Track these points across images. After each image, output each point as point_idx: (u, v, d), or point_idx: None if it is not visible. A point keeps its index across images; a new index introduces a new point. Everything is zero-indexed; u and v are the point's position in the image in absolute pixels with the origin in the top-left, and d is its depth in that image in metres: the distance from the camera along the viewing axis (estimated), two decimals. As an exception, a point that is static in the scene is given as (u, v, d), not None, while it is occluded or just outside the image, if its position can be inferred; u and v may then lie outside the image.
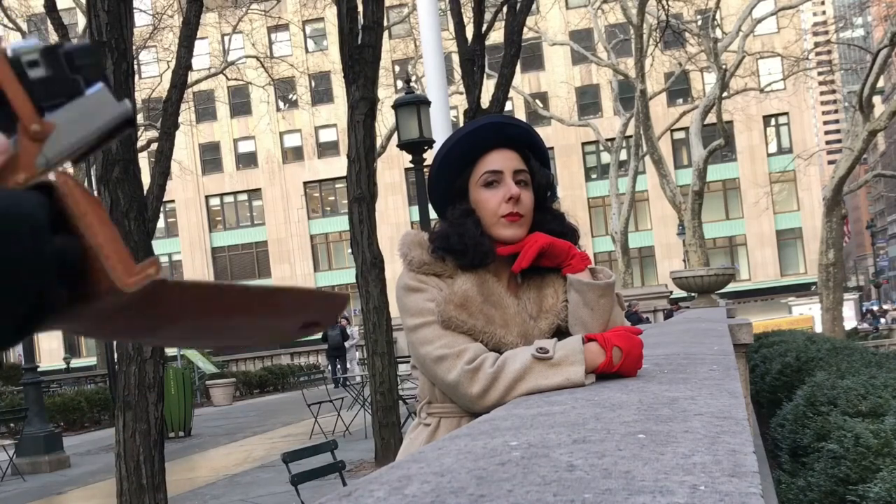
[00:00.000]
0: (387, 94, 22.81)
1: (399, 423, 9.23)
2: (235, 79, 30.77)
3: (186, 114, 27.78)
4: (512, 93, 21.32)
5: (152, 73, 34.68)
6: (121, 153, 5.91)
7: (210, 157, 46.25)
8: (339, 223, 41.91)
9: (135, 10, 6.18)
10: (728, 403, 1.29)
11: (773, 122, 42.33)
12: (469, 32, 11.27)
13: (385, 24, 10.61)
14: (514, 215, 1.82)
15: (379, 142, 20.64)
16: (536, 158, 1.90)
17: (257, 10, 27.81)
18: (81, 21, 26.22)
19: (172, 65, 9.04)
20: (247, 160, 46.30)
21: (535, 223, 1.88)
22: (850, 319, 34.95)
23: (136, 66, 7.75)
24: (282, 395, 22.76)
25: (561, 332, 1.85)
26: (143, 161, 16.91)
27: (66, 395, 18.63)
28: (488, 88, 11.90)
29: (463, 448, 1.09)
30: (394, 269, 5.11)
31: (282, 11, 36.33)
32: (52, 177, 0.51)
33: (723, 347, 2.63)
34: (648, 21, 24.92)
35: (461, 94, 12.84)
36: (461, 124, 15.19)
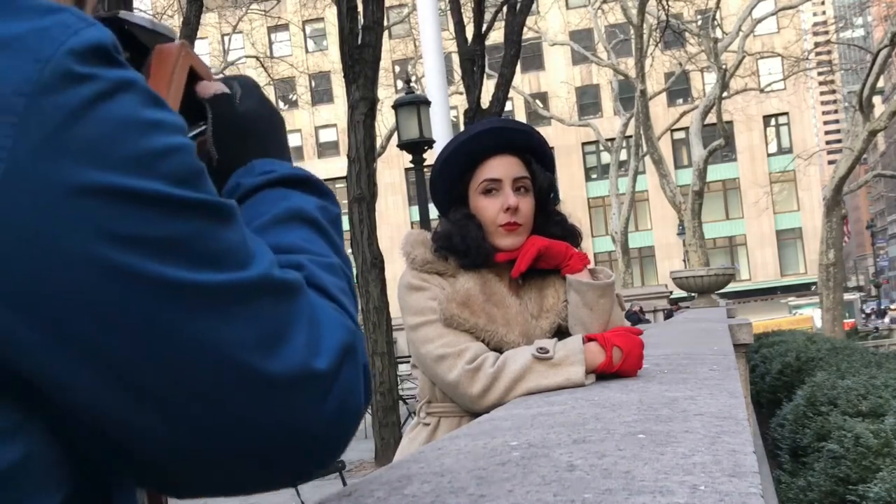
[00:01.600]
0: (387, 94, 22.79)
1: (399, 423, 9.23)
2: (235, 79, 30.71)
3: (186, 114, 27.67)
4: (512, 93, 21.31)
5: (152, 73, 34.64)
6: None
7: (210, 157, 46.23)
8: (340, 223, 41.85)
9: (135, 10, 6.17)
10: (728, 403, 1.29)
11: (773, 122, 42.30)
12: (469, 32, 11.27)
13: (385, 24, 10.60)
14: (511, 225, 1.82)
15: (379, 142, 20.64)
16: (539, 161, 1.90)
17: (257, 10, 27.79)
18: (81, 21, 26.17)
19: (172, 65, 9.02)
20: (247, 160, 46.28)
21: (537, 226, 1.88)
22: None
23: (136, 66, 7.73)
24: (282, 395, 22.74)
25: (562, 332, 1.85)
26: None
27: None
28: (488, 88, 11.90)
29: (463, 448, 1.09)
30: (394, 269, 5.11)
31: (282, 11, 36.31)
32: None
33: (723, 347, 2.63)
34: (648, 21, 24.89)
35: (461, 94, 12.84)
36: (461, 124, 15.21)
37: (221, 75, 0.86)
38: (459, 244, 1.81)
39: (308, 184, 0.80)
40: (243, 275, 0.57)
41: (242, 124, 0.83)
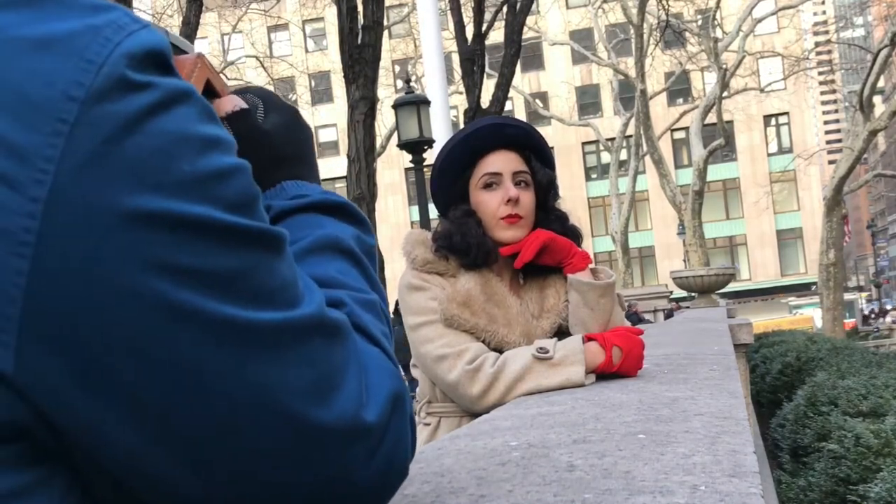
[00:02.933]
0: (387, 94, 22.79)
1: (399, 422, 9.22)
2: (235, 79, 30.74)
3: (186, 114, 27.62)
4: (512, 93, 21.30)
5: (152, 73, 34.58)
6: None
7: (210, 157, 46.16)
8: (340, 223, 41.77)
9: (135, 10, 6.18)
10: (728, 403, 1.29)
11: (773, 121, 42.28)
12: (469, 32, 11.26)
13: (385, 23, 10.60)
14: (512, 217, 1.82)
15: (379, 142, 20.62)
16: (538, 159, 1.90)
17: (257, 9, 27.79)
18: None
19: (172, 65, 9.02)
20: (247, 160, 46.22)
21: (537, 222, 1.88)
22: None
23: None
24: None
25: (563, 332, 1.85)
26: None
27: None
28: (488, 88, 11.89)
29: (463, 448, 1.09)
30: (394, 269, 5.11)
31: (281, 11, 36.32)
32: None
33: (723, 347, 2.63)
34: (649, 21, 24.89)
35: (461, 94, 12.83)
36: (461, 124, 15.25)
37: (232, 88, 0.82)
38: (460, 243, 1.81)
39: (343, 211, 0.75)
40: (297, 313, 0.52)
41: (268, 143, 0.77)
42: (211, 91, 0.76)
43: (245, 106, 0.78)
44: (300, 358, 0.52)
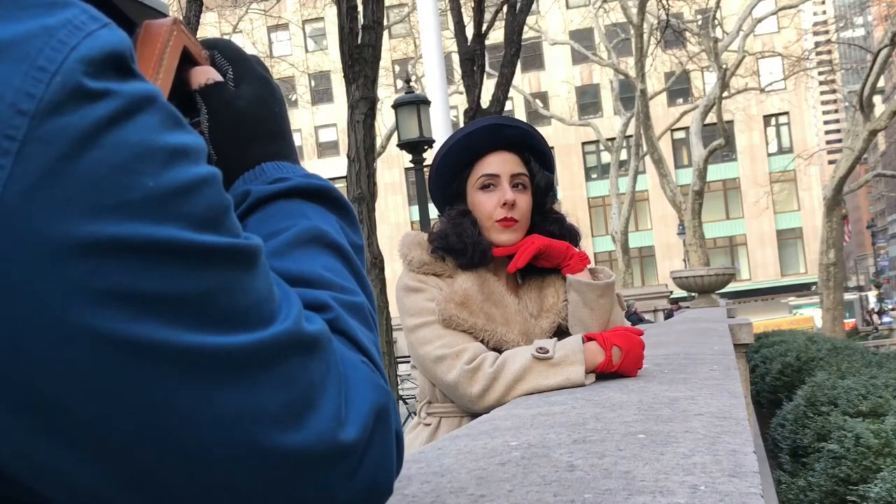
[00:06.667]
0: (387, 94, 22.80)
1: (399, 422, 9.22)
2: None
3: (186, 113, 27.66)
4: (512, 92, 21.30)
5: (152, 73, 34.59)
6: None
7: (210, 157, 46.17)
8: (340, 223, 41.76)
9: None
10: (728, 403, 1.29)
11: (773, 121, 42.28)
12: (469, 32, 11.26)
13: (385, 23, 10.60)
14: (508, 220, 1.82)
15: (379, 142, 20.64)
16: (538, 160, 1.90)
17: (257, 9, 27.80)
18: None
19: (172, 64, 9.01)
20: (247, 160, 46.20)
21: (534, 225, 1.88)
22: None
23: (136, 66, 7.72)
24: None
25: (562, 332, 1.85)
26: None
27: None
28: (488, 88, 11.89)
29: (463, 448, 1.09)
30: (394, 269, 5.11)
31: (282, 11, 36.32)
32: None
33: (723, 347, 2.63)
34: (649, 20, 24.88)
35: (461, 94, 12.83)
36: (461, 124, 15.22)
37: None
38: (456, 243, 1.81)
39: (326, 196, 0.69)
40: (271, 331, 0.48)
41: (243, 119, 0.71)
42: (188, 58, 0.70)
43: (220, 79, 0.72)
44: (274, 380, 0.48)
